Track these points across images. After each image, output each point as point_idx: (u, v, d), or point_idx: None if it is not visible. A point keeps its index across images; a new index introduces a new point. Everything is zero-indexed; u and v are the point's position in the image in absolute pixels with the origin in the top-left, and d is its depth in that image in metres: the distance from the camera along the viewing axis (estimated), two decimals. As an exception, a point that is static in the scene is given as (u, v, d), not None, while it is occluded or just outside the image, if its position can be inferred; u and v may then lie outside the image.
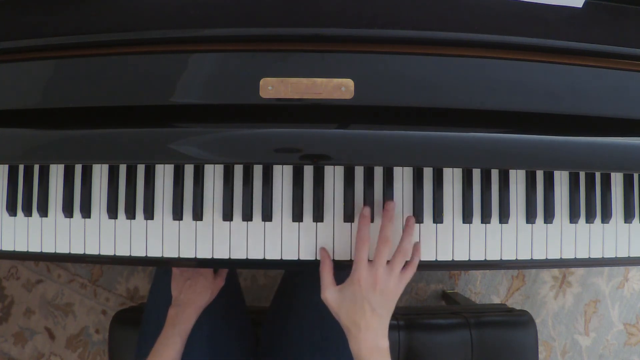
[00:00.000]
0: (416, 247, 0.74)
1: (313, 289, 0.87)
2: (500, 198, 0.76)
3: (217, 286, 0.85)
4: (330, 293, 0.71)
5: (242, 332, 0.92)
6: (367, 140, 0.65)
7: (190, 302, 0.81)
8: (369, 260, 0.71)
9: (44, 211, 0.76)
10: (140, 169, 0.76)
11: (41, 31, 0.65)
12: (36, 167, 0.76)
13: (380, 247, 0.70)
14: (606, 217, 0.77)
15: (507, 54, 0.65)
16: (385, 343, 0.69)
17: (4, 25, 0.66)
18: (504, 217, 0.76)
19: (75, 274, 1.54)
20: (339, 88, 0.63)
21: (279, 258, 0.76)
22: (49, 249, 0.76)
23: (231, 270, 0.94)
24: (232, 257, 0.75)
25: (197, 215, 0.75)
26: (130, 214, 0.75)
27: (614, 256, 0.78)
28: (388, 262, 0.71)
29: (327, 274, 0.72)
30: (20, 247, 0.77)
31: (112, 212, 0.75)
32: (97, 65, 0.65)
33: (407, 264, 0.72)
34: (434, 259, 0.76)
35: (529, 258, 0.77)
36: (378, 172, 0.76)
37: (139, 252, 0.76)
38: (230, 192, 0.75)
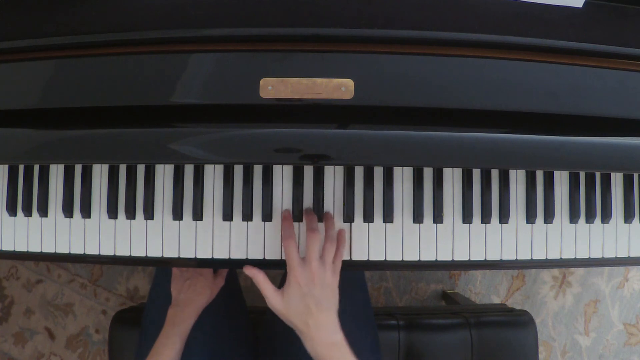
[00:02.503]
0: (340, 235, 0.74)
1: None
2: (500, 198, 0.76)
3: (216, 286, 0.85)
4: (275, 301, 0.70)
5: (242, 332, 0.91)
6: (367, 140, 0.65)
7: (189, 302, 0.81)
8: (302, 258, 0.71)
9: (44, 211, 0.76)
10: (140, 169, 0.76)
11: (41, 31, 0.65)
12: (36, 167, 0.76)
13: (310, 239, 0.70)
14: (606, 217, 0.77)
15: (507, 54, 0.65)
16: (339, 336, 0.69)
17: (4, 25, 0.66)
18: (504, 217, 0.76)
19: (75, 274, 1.54)
20: (339, 88, 0.63)
21: (279, 258, 0.76)
22: (49, 249, 0.76)
23: (231, 270, 0.94)
24: (232, 257, 0.75)
25: (197, 215, 0.75)
26: (130, 214, 0.75)
27: (614, 256, 0.78)
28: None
29: (265, 284, 0.71)
30: (20, 247, 0.77)
31: (112, 212, 0.75)
32: (97, 65, 0.65)
33: (335, 255, 0.72)
34: (434, 259, 0.76)
35: (529, 258, 0.77)
36: (378, 172, 0.76)
37: (139, 252, 0.76)
38: (230, 192, 0.75)
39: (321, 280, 0.69)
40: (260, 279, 0.71)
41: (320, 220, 0.75)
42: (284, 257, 0.75)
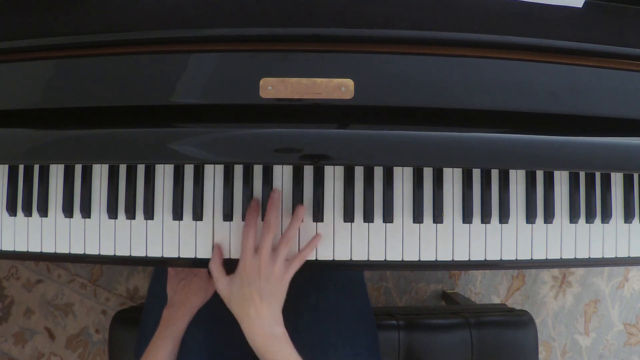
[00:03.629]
0: (313, 240, 0.74)
1: (310, 290, 0.86)
2: (500, 198, 0.76)
3: (211, 286, 0.85)
4: (221, 284, 0.72)
5: (241, 331, 0.91)
6: (367, 140, 0.65)
7: (183, 303, 0.81)
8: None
9: (44, 211, 0.76)
10: (140, 169, 0.76)
11: (41, 31, 0.65)
12: (36, 167, 0.76)
13: (264, 233, 0.71)
14: (606, 217, 0.77)
15: (507, 54, 0.65)
16: (279, 329, 0.70)
17: (4, 25, 0.66)
18: (504, 217, 0.76)
19: (75, 274, 1.54)
20: (339, 88, 0.63)
21: (279, 258, 0.75)
22: (49, 249, 0.76)
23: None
24: (232, 257, 0.75)
25: (197, 215, 0.75)
26: (130, 214, 0.75)
27: (614, 256, 0.78)
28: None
29: (215, 266, 0.72)
30: (20, 247, 0.77)
31: (112, 212, 0.75)
32: (97, 65, 0.65)
33: (298, 254, 0.73)
34: (434, 259, 0.76)
35: (529, 258, 0.77)
36: (378, 172, 0.76)
37: (139, 252, 0.76)
38: (230, 192, 0.75)
39: (267, 273, 0.70)
40: (215, 259, 0.73)
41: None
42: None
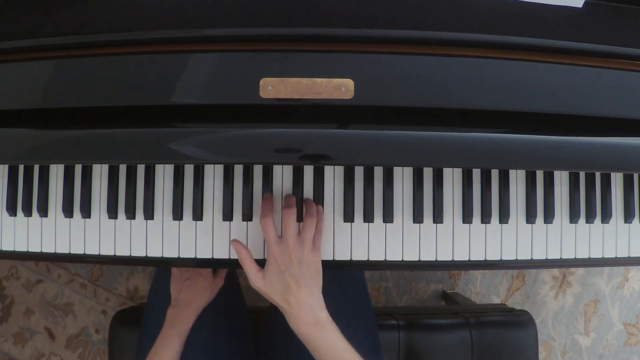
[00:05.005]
0: (318, 210, 0.73)
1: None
2: (500, 198, 0.76)
3: (216, 286, 0.85)
4: (257, 280, 0.70)
5: (242, 332, 0.92)
6: (367, 140, 0.65)
7: (189, 302, 0.81)
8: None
9: (44, 211, 0.76)
10: (140, 169, 0.76)
11: (41, 31, 0.65)
12: (36, 167, 0.76)
13: (285, 216, 0.69)
14: (606, 217, 0.77)
15: (507, 54, 0.65)
16: (323, 314, 0.68)
17: (4, 25, 0.66)
18: (504, 217, 0.76)
19: (75, 274, 1.54)
20: (339, 88, 0.63)
21: (279, 258, 0.75)
22: (49, 249, 0.76)
23: (231, 270, 0.94)
24: (232, 257, 0.75)
25: (197, 215, 0.75)
26: (130, 214, 0.75)
27: (614, 256, 0.78)
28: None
29: (248, 262, 0.70)
30: (20, 247, 0.77)
31: (112, 212, 0.75)
32: (97, 65, 0.65)
33: (315, 227, 0.72)
34: (434, 259, 0.76)
35: (529, 258, 0.77)
36: (378, 172, 0.76)
37: (139, 252, 0.76)
38: (230, 192, 0.75)
39: (299, 257, 0.68)
40: (243, 255, 0.71)
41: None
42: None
